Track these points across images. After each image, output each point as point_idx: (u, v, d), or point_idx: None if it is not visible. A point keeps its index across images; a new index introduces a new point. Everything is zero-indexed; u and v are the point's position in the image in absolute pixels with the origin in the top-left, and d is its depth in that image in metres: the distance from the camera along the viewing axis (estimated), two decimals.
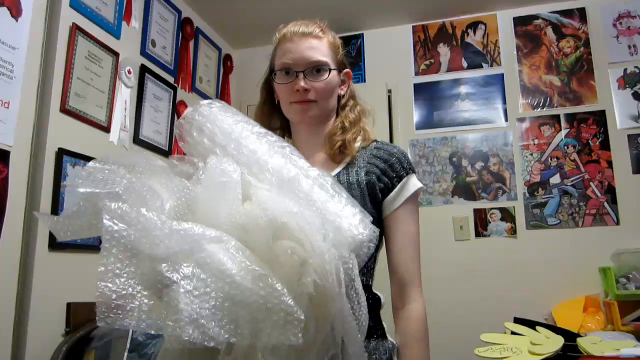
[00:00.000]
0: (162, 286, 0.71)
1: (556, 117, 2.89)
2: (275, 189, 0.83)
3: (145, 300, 0.70)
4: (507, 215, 2.84)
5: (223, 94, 3.29)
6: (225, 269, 0.71)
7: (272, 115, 1.20)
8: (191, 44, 2.96)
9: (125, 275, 0.70)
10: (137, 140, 2.39)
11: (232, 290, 0.70)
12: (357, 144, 1.13)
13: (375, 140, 1.16)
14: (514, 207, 2.84)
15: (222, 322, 0.69)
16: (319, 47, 1.11)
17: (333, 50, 1.14)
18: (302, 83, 1.08)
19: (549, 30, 3.00)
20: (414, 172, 1.11)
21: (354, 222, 0.84)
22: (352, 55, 3.24)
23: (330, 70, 1.11)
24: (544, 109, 2.92)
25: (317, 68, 1.09)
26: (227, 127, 0.90)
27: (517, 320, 1.54)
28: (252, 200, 0.80)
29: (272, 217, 0.77)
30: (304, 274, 0.74)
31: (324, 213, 0.82)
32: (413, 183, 1.09)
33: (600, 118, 2.82)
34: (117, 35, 2.30)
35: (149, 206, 0.77)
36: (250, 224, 0.78)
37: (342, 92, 1.18)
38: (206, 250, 0.73)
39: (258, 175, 0.86)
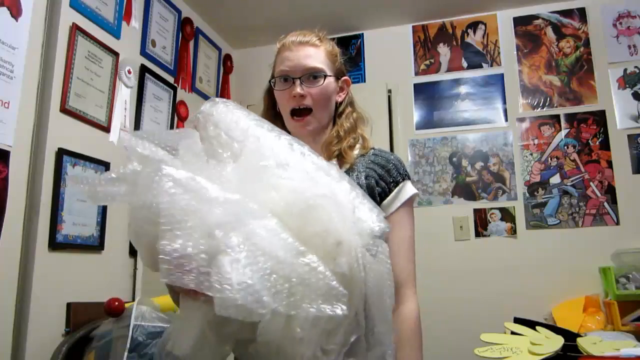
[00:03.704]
0: (212, 252, 0.75)
1: (556, 117, 2.89)
2: (296, 176, 0.87)
3: (203, 262, 0.73)
4: (507, 215, 2.84)
5: (223, 94, 3.29)
6: (269, 243, 0.76)
7: (274, 123, 1.22)
8: (191, 44, 2.96)
9: (183, 237, 0.74)
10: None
11: (276, 265, 0.74)
12: (356, 152, 1.16)
13: (373, 148, 1.19)
14: (514, 207, 2.84)
15: (271, 290, 0.73)
16: (316, 55, 1.15)
17: (330, 58, 1.17)
18: (298, 89, 1.11)
19: (549, 30, 3.00)
20: (409, 178, 1.15)
21: (372, 214, 0.88)
22: (352, 55, 3.24)
23: (325, 76, 1.14)
24: (544, 109, 2.92)
25: (313, 74, 1.13)
26: (244, 124, 0.92)
27: (517, 320, 1.54)
28: (284, 184, 0.84)
29: (305, 199, 0.81)
30: (339, 254, 0.79)
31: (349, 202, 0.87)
32: (409, 188, 1.13)
33: (600, 118, 2.82)
34: (117, 35, 2.30)
35: (206, 173, 0.81)
36: (285, 205, 0.82)
37: (340, 99, 1.21)
38: (252, 224, 0.77)
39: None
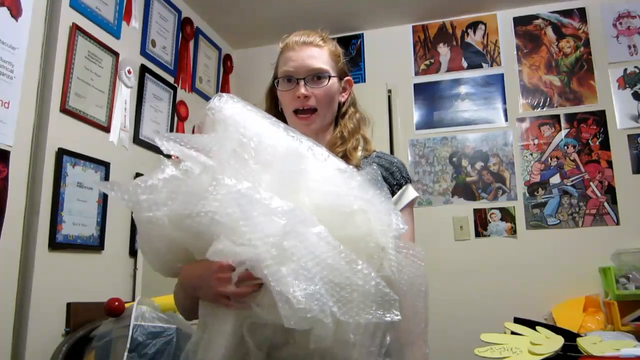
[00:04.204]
0: (278, 261, 0.75)
1: (556, 117, 2.89)
2: (328, 181, 0.88)
3: (268, 271, 0.75)
4: (507, 215, 2.84)
5: None
6: (323, 251, 0.77)
7: None
8: (191, 44, 2.96)
9: (248, 247, 0.76)
10: (137, 140, 2.39)
11: (332, 272, 0.76)
12: (359, 153, 1.16)
13: (375, 151, 1.20)
14: (514, 207, 2.84)
15: (333, 299, 0.75)
16: (320, 55, 1.15)
17: (333, 58, 1.18)
18: (302, 90, 1.11)
19: (549, 30, 3.00)
20: (411, 182, 1.16)
21: (397, 216, 0.90)
22: (352, 55, 3.24)
23: (330, 77, 1.14)
24: (544, 109, 2.92)
25: (318, 75, 1.13)
26: (258, 123, 0.92)
27: (517, 320, 1.54)
28: (322, 189, 0.85)
29: (348, 203, 0.82)
30: (384, 258, 0.81)
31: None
32: (411, 192, 1.15)
33: (600, 118, 2.82)
34: (117, 35, 2.30)
35: (250, 179, 0.83)
36: (327, 210, 0.83)
37: (343, 100, 1.21)
38: (306, 233, 0.78)
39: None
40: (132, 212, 0.89)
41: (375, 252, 0.81)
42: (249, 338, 0.79)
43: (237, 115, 0.90)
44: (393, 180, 1.12)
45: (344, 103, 1.21)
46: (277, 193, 0.82)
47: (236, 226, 0.76)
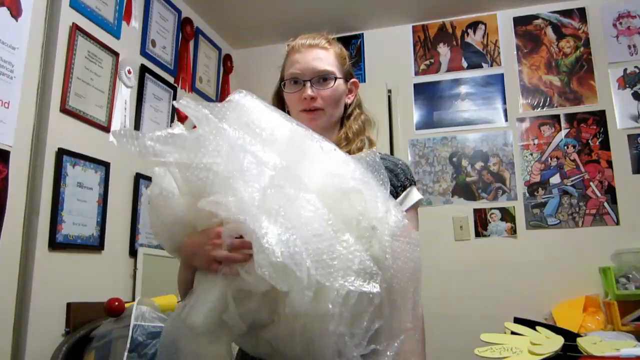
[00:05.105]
0: (262, 210, 0.77)
1: (556, 117, 2.89)
2: (331, 163, 0.91)
3: (251, 218, 0.77)
4: (507, 215, 2.84)
5: (223, 94, 3.29)
6: (311, 216, 0.79)
7: None
8: (191, 44, 2.96)
9: (235, 192, 0.79)
10: None
11: (316, 237, 0.77)
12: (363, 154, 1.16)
13: (379, 153, 1.19)
14: (514, 207, 2.84)
15: (310, 258, 0.75)
16: (326, 57, 1.16)
17: (339, 60, 1.19)
18: (309, 91, 1.13)
19: (549, 30, 3.00)
20: (415, 184, 1.16)
21: (399, 209, 0.92)
22: (352, 55, 3.24)
23: (336, 78, 1.15)
24: (544, 109, 2.92)
25: (324, 77, 1.14)
26: (271, 114, 0.95)
27: (517, 320, 1.54)
28: (327, 167, 0.88)
29: (347, 181, 0.85)
30: (374, 237, 0.82)
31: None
32: (415, 194, 1.14)
33: (600, 118, 2.82)
34: (117, 35, 2.30)
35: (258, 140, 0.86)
36: (327, 185, 0.85)
37: (349, 101, 1.23)
38: (297, 195, 0.80)
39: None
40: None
41: (366, 232, 0.82)
42: (233, 305, 0.80)
43: (254, 104, 0.94)
44: (397, 182, 1.12)
45: (349, 104, 1.23)
46: (288, 175, 0.85)
47: (230, 176, 0.79)
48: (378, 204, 0.86)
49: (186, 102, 0.87)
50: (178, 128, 0.88)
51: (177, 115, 2.76)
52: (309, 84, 1.13)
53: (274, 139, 0.90)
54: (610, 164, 2.76)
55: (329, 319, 0.76)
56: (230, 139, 0.83)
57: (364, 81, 3.19)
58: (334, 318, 0.76)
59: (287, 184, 0.81)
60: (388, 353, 0.85)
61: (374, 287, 0.76)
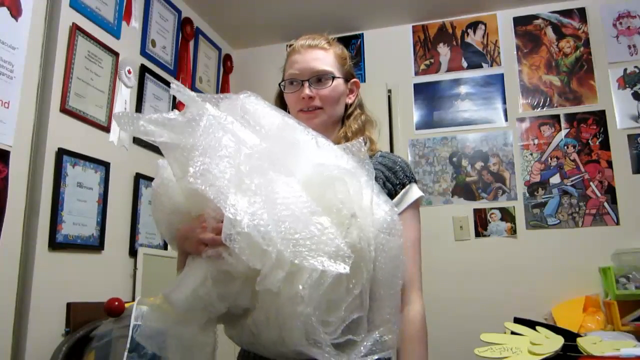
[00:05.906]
0: (236, 183, 0.79)
1: (556, 117, 2.89)
2: (320, 153, 0.91)
3: (224, 187, 0.78)
4: (507, 215, 2.84)
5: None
6: (288, 197, 0.80)
7: None
8: (191, 44, 2.96)
9: (212, 161, 0.80)
10: (137, 140, 2.38)
11: (290, 217, 0.78)
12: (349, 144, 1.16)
13: (380, 151, 1.20)
14: (514, 207, 2.84)
15: (281, 234, 0.76)
16: (325, 58, 1.17)
17: (339, 61, 1.20)
18: (307, 91, 1.14)
19: (549, 30, 3.00)
20: (415, 181, 1.15)
21: (387, 204, 0.92)
22: (352, 55, 3.23)
23: (334, 78, 1.16)
24: (544, 109, 2.92)
25: (322, 77, 1.15)
26: (270, 111, 0.96)
27: (517, 320, 1.54)
28: (314, 156, 0.89)
29: (330, 170, 0.85)
30: (352, 225, 0.82)
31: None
32: (415, 191, 1.13)
33: (600, 118, 2.82)
34: (117, 35, 2.30)
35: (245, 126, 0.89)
36: (311, 173, 0.86)
37: (350, 101, 1.23)
38: (276, 177, 0.81)
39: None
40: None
41: (345, 219, 0.82)
42: (210, 283, 0.81)
43: (256, 101, 0.96)
44: (396, 179, 1.11)
45: (350, 105, 1.23)
46: (277, 151, 0.87)
47: (205, 153, 0.80)
48: (363, 195, 0.86)
49: (177, 87, 0.89)
50: (173, 113, 0.90)
51: None
52: (307, 83, 1.14)
53: (264, 127, 0.92)
54: (610, 164, 2.76)
55: (300, 301, 0.76)
56: (211, 118, 0.85)
57: (364, 81, 3.19)
58: (304, 300, 0.76)
59: (265, 164, 0.82)
60: (365, 344, 0.84)
61: (343, 268, 0.76)
